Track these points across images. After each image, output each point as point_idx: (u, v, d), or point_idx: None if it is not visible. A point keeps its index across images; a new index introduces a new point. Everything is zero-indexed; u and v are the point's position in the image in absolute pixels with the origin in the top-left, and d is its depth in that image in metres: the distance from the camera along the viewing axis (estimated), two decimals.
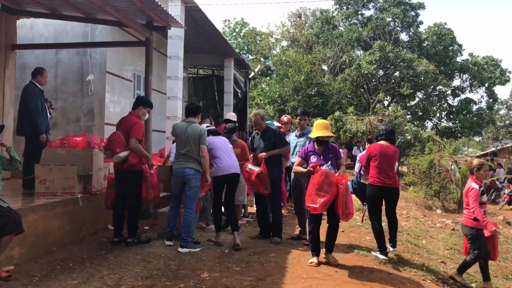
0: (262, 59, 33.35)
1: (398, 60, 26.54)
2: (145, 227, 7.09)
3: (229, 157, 6.30)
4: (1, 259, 4.55)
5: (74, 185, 6.10)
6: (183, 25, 8.69)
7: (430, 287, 5.34)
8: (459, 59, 29.89)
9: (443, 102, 31.42)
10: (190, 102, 6.60)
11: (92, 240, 6.19)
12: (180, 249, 5.74)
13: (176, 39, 9.19)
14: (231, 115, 8.95)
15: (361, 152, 21.46)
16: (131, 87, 10.95)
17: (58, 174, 6.07)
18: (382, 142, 6.37)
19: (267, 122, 9.92)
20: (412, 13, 29.95)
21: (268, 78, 30.78)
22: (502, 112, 39.81)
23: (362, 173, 7.18)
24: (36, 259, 5.12)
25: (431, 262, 6.70)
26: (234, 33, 37.44)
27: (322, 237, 5.69)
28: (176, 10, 8.76)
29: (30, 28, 9.77)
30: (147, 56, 8.24)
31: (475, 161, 6.28)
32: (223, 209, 6.56)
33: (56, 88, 9.72)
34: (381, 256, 6.03)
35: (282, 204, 8.89)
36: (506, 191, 16.95)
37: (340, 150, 22.37)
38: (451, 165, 15.88)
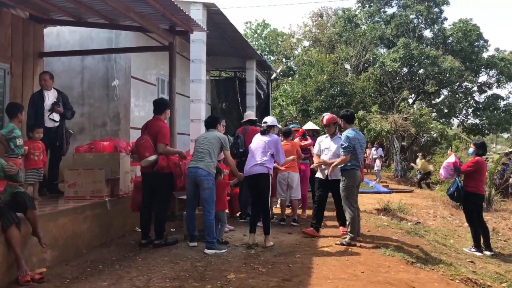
0: (284, 60, 33.30)
1: (423, 57, 26.20)
2: (171, 229, 7.19)
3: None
4: (33, 261, 4.69)
5: (102, 188, 6.25)
6: (205, 29, 8.77)
7: (458, 287, 5.26)
8: (485, 54, 29.33)
9: (469, 98, 30.88)
10: (208, 116, 6.74)
11: (120, 243, 6.31)
12: (206, 251, 5.80)
13: (198, 43, 9.26)
14: (248, 114, 9.12)
15: (377, 154, 20.89)
16: (155, 91, 11.07)
17: (87, 178, 6.24)
18: (482, 157, 7.61)
19: (291, 126, 9.89)
20: (436, 9, 29.56)
21: (290, 78, 30.72)
22: None
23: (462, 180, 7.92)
24: (67, 262, 5.26)
25: (459, 262, 6.59)
26: (256, 35, 37.47)
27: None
28: (198, 14, 8.82)
29: (56, 35, 9.98)
30: (171, 60, 8.37)
31: None
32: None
33: (82, 93, 9.90)
34: (478, 253, 7.33)
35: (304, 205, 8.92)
36: None
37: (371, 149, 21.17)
38: None
